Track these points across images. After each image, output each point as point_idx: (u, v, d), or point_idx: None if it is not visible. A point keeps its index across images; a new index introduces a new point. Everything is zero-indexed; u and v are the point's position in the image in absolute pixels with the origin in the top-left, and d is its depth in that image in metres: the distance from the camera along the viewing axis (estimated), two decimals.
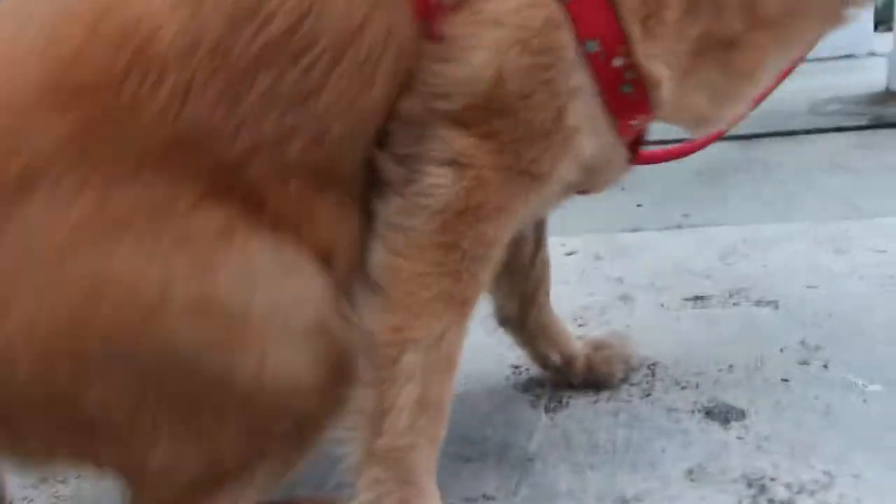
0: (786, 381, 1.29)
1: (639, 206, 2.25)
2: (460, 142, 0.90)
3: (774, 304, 1.57)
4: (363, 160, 0.92)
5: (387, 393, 0.91)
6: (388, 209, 0.92)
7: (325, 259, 0.91)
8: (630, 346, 1.37)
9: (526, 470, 1.13)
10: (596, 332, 1.49)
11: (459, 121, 0.90)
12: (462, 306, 0.95)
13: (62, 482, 1.24)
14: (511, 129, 0.90)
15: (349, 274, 0.93)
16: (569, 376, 1.33)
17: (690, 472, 1.09)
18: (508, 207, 0.93)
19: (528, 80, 0.89)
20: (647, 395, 1.29)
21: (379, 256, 0.92)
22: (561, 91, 0.90)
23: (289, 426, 0.91)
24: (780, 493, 1.03)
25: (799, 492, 1.03)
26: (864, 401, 1.21)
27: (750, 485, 1.05)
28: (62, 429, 0.86)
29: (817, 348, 1.38)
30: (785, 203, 2.21)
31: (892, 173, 2.38)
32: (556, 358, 1.33)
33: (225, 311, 0.84)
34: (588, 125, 0.93)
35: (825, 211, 2.12)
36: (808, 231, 1.97)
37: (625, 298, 1.67)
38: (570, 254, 1.98)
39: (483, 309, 1.36)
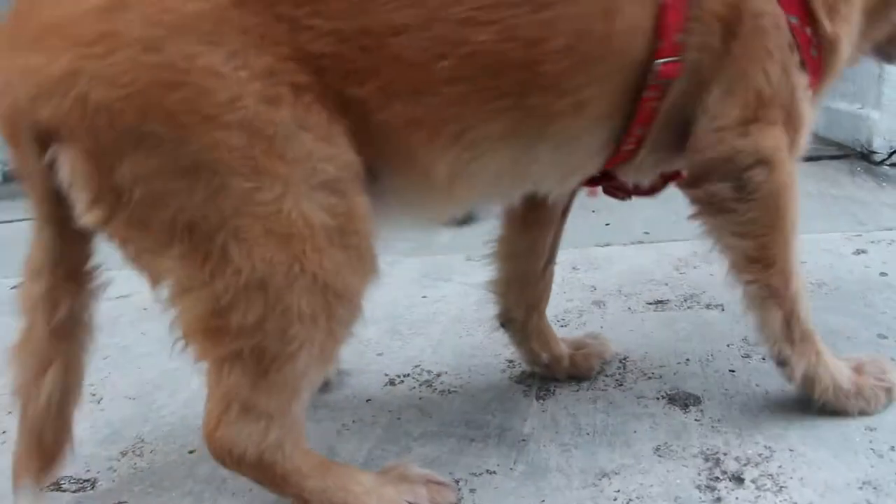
0: (732, 371, 1.31)
1: (607, 224, 2.24)
2: (758, 143, 1.02)
3: (721, 307, 1.58)
4: (564, 72, 0.92)
5: (786, 305, 1.10)
6: (736, 216, 1.06)
7: (387, 137, 0.91)
8: (605, 344, 1.38)
9: (521, 449, 1.14)
10: (576, 332, 1.49)
11: (747, 124, 1.02)
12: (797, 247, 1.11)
13: (139, 455, 1.24)
14: (779, 114, 1.03)
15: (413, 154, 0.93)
16: (555, 372, 1.34)
17: (658, 449, 1.10)
18: (794, 177, 1.07)
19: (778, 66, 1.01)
20: (620, 385, 1.30)
21: (748, 244, 1.07)
22: (794, 64, 1.02)
23: (311, 301, 0.87)
24: (732, 465, 1.05)
25: (746, 464, 1.05)
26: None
27: (707, 459, 1.07)
28: (103, 180, 0.84)
29: (756, 344, 1.37)
30: None
31: (808, 199, 2.39)
32: (545, 357, 1.33)
33: (271, 139, 0.84)
34: (806, 94, 1.05)
35: None
36: None
37: (598, 303, 1.68)
38: None
39: (482, 313, 1.37)
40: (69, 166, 0.84)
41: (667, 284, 1.75)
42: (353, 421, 1.27)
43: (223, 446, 0.92)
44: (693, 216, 1.12)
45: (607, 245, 2.09)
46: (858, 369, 1.17)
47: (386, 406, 1.31)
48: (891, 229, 2.00)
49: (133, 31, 0.80)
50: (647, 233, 2.13)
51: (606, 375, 1.33)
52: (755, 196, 1.04)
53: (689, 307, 1.60)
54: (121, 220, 0.86)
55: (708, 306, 1.60)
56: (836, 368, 1.14)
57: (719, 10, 0.96)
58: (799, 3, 1.00)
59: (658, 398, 1.24)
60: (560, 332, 1.49)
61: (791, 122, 1.04)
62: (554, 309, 1.65)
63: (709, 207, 1.08)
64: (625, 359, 1.39)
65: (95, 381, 1.56)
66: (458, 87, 0.89)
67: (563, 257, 2.03)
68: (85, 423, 1.38)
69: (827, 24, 1.02)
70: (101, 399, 1.48)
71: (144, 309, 1.97)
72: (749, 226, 1.06)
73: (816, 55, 1.03)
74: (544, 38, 0.89)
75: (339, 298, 0.90)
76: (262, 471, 0.94)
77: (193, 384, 1.49)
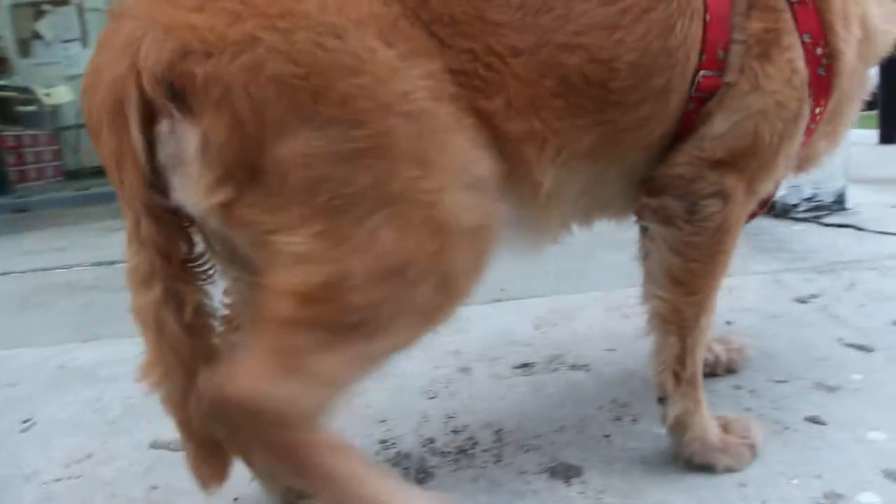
0: (607, 436, 1.32)
1: None
2: (723, 179, 1.09)
3: (586, 368, 1.61)
4: (628, 88, 1.02)
5: (687, 339, 1.16)
6: (679, 233, 1.12)
7: (510, 145, 0.99)
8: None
9: None
10: (447, 404, 1.45)
11: (722, 165, 1.09)
12: (719, 288, 1.19)
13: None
14: (755, 164, 1.10)
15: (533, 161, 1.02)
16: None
17: None
18: (743, 219, 1.16)
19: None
20: (499, 461, 1.27)
21: (678, 262, 1.13)
22: (792, 134, 1.11)
23: (430, 299, 0.91)
24: None
25: None
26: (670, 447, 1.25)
27: None
28: (239, 156, 0.85)
29: (626, 405, 1.42)
30: (578, 276, 2.29)
31: None
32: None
33: (436, 132, 0.90)
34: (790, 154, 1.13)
35: (611, 281, 2.19)
36: (600, 300, 2.04)
37: (464, 370, 1.66)
38: None
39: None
40: (198, 137, 0.84)
41: (530, 345, 1.77)
42: None
43: (245, 394, 0.86)
44: (638, 220, 1.20)
45: (465, 304, 2.09)
46: (725, 427, 1.22)
47: (258, 502, 1.20)
48: (729, 276, 2.14)
49: (318, 15, 0.86)
50: (503, 289, 2.16)
51: (484, 450, 1.30)
52: (703, 224, 1.11)
53: (554, 369, 1.62)
54: (250, 202, 0.86)
55: (573, 367, 1.62)
56: (709, 422, 1.19)
57: (759, 33, 1.05)
58: (815, 18, 1.08)
59: (539, 472, 1.22)
60: (428, 405, 1.46)
61: (761, 171, 1.12)
62: (420, 379, 1.62)
63: (657, 217, 1.14)
64: (499, 430, 1.37)
65: None
66: (558, 103, 1.00)
67: None
68: None
69: (838, 44, 1.10)
70: None
71: None
72: (687, 248, 1.13)
73: (825, 73, 1.10)
74: (615, 56, 1.01)
75: (451, 302, 0.96)
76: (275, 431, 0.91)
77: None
